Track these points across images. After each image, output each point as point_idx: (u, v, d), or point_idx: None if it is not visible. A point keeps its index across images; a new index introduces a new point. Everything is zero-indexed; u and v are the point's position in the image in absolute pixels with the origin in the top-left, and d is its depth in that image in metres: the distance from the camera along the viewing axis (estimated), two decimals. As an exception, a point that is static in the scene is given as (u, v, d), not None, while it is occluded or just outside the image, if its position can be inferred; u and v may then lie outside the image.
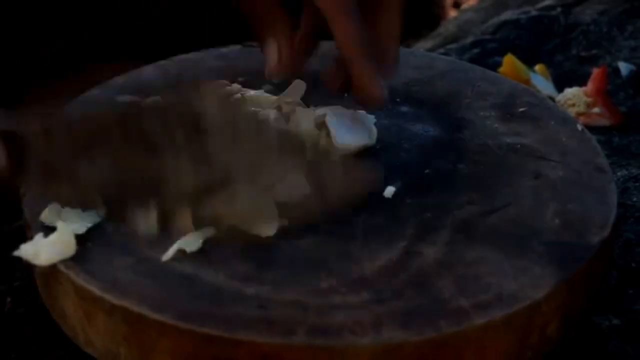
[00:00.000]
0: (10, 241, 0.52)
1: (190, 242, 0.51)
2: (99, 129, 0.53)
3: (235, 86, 0.61)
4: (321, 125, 0.59)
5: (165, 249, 0.51)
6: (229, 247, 0.51)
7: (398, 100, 0.65)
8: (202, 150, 0.53)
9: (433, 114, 0.64)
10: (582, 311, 0.53)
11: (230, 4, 0.79)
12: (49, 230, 0.52)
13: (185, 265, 0.50)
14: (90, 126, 0.53)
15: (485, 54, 0.94)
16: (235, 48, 0.67)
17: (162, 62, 0.69)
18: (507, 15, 1.01)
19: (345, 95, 0.60)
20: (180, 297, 0.48)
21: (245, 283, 0.49)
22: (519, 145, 0.61)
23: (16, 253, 0.51)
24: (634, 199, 0.69)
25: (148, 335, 0.47)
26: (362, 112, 0.61)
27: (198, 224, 0.52)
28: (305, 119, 0.59)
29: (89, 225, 0.52)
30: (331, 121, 0.59)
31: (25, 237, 0.54)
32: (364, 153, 0.60)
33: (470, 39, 0.97)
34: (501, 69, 0.84)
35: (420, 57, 0.73)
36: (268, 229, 0.52)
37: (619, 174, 0.72)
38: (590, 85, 0.81)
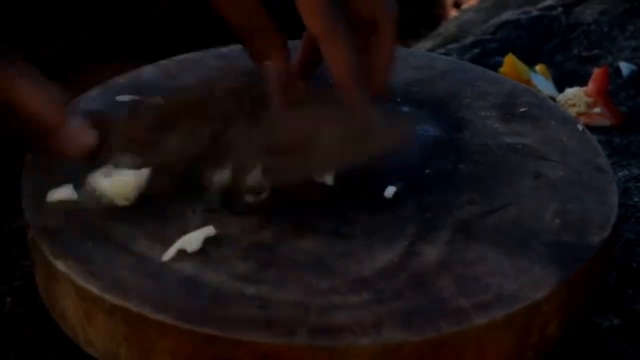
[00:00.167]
0: (10, 241, 0.52)
1: (191, 242, 0.51)
2: (174, 109, 0.59)
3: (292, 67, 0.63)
4: None
5: (166, 249, 0.51)
6: (229, 247, 0.51)
7: (398, 100, 0.65)
8: (268, 120, 0.58)
9: (433, 114, 0.64)
10: (582, 311, 0.53)
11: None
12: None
13: (186, 265, 0.50)
14: (167, 108, 0.60)
15: (486, 54, 0.94)
16: (235, 48, 0.66)
17: (162, 62, 0.69)
18: (508, 15, 1.01)
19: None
20: (180, 297, 0.48)
21: (245, 283, 0.49)
22: (519, 145, 0.61)
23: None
24: (635, 199, 0.69)
25: (148, 335, 0.47)
26: None
27: (267, 176, 0.55)
28: None
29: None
30: None
31: (26, 237, 0.54)
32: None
33: (470, 39, 0.98)
34: (502, 69, 0.84)
35: (421, 57, 0.73)
36: (327, 177, 0.56)
37: (619, 174, 0.72)
38: (591, 85, 0.81)
